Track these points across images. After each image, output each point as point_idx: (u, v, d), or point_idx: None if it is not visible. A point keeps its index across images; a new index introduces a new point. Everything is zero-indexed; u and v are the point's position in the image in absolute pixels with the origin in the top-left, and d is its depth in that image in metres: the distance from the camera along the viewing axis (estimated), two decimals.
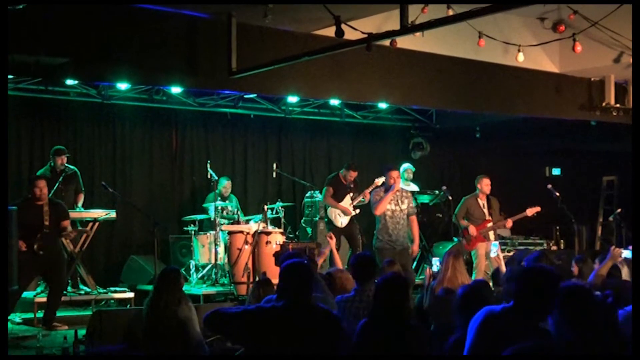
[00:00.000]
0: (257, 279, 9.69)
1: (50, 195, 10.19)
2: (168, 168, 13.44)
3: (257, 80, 9.79)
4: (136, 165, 13.09)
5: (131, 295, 10.71)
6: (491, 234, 11.43)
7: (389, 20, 9.52)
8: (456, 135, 15.76)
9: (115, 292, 10.85)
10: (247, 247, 10.53)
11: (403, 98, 11.88)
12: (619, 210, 13.63)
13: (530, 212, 11.44)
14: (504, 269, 9.11)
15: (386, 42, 8.58)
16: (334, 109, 14.32)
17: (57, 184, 10.46)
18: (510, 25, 11.34)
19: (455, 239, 12.87)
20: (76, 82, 11.30)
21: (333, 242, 9.24)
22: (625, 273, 8.43)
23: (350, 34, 8.09)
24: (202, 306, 9.58)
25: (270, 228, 10.91)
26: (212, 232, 11.72)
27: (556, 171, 16.08)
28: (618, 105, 12.68)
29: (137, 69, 9.46)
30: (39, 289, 10.13)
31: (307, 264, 5.06)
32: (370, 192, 11.00)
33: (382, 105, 13.72)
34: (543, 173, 16.00)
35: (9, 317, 9.10)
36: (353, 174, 12.00)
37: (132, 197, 12.36)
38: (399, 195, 10.51)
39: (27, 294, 9.82)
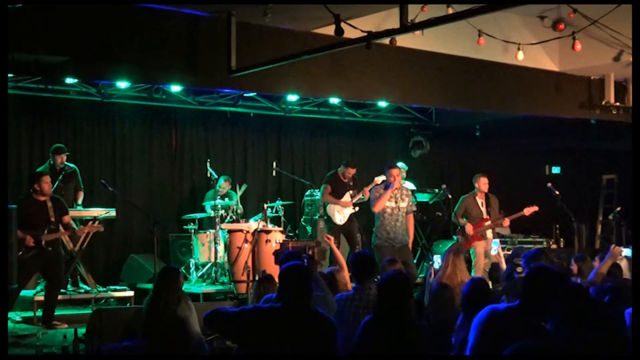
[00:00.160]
0: (256, 277, 9.69)
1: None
2: (168, 167, 13.45)
3: (257, 78, 9.78)
4: (136, 164, 13.09)
5: (131, 293, 10.72)
6: (489, 233, 11.43)
7: (388, 18, 9.51)
8: (456, 133, 15.76)
9: (115, 290, 10.85)
10: (247, 246, 10.52)
11: (403, 96, 11.87)
12: (618, 208, 13.62)
13: (528, 211, 11.44)
14: (504, 266, 9.12)
15: (386, 41, 8.56)
16: (334, 108, 14.32)
17: (57, 182, 10.47)
18: (510, 24, 11.33)
19: (455, 238, 12.88)
20: (76, 80, 11.30)
21: (332, 241, 9.24)
22: (625, 271, 8.44)
23: (349, 33, 8.09)
24: (202, 305, 9.58)
25: (270, 226, 10.90)
26: (212, 231, 11.72)
27: (556, 170, 16.07)
28: (618, 103, 12.67)
29: (137, 68, 9.45)
30: (38, 288, 10.13)
31: (306, 266, 5.07)
32: (370, 190, 11.00)
33: (382, 104, 13.73)
34: (543, 171, 15.98)
35: (9, 316, 9.10)
36: (352, 171, 11.98)
37: (132, 196, 12.37)
38: (400, 193, 10.50)
39: (26, 293, 9.82)
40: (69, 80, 11.13)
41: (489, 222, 11.42)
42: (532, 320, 4.47)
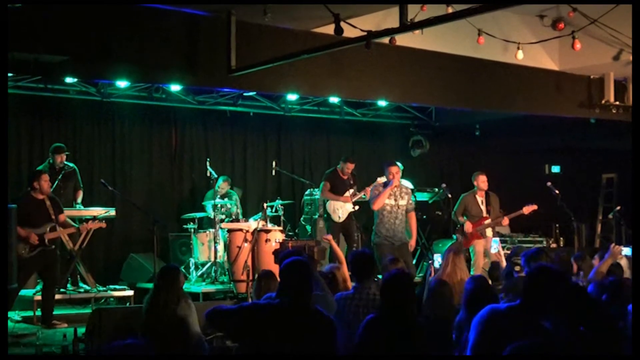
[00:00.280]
0: (256, 276, 9.69)
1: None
2: (167, 166, 13.45)
3: (257, 78, 9.78)
4: (135, 163, 13.09)
5: (131, 293, 10.71)
6: (489, 231, 11.42)
7: (388, 17, 9.51)
8: (455, 132, 15.76)
9: (115, 290, 10.85)
10: (247, 245, 10.52)
11: (402, 96, 11.88)
12: (618, 207, 13.63)
13: (527, 210, 11.44)
14: (504, 265, 9.13)
15: (385, 40, 8.56)
16: (334, 107, 14.32)
17: (56, 182, 10.47)
18: (510, 23, 11.33)
19: (455, 237, 12.88)
20: (75, 80, 11.29)
21: (330, 237, 9.25)
22: (626, 270, 8.44)
23: (349, 32, 8.09)
24: (202, 304, 9.58)
25: (269, 226, 10.90)
26: (212, 230, 11.72)
27: (556, 169, 16.06)
28: (617, 102, 12.68)
29: (137, 67, 9.46)
30: (38, 287, 10.12)
31: (306, 262, 5.04)
32: (370, 189, 10.99)
33: (382, 103, 13.73)
34: (542, 171, 15.98)
35: (8, 315, 9.10)
36: (350, 166, 11.92)
37: (132, 195, 12.37)
38: (399, 191, 10.50)
39: (26, 292, 9.82)
40: (69, 80, 11.13)
41: (488, 221, 11.42)
42: (533, 320, 4.47)
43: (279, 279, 5.07)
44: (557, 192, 11.77)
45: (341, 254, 8.22)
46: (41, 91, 11.70)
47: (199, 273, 11.60)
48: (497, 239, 11.32)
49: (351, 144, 15.10)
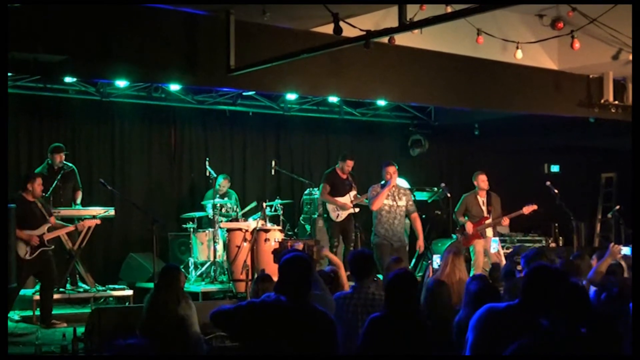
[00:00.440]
0: (255, 276, 9.69)
1: (49, 192, 10.27)
2: (167, 165, 13.44)
3: (256, 77, 9.79)
4: (135, 163, 13.09)
5: (130, 292, 10.71)
6: (489, 231, 11.42)
7: (387, 17, 9.52)
8: (455, 132, 15.76)
9: (114, 289, 10.85)
10: (246, 245, 10.53)
11: (402, 95, 11.88)
12: (617, 207, 13.64)
13: (527, 210, 11.43)
14: (504, 264, 9.13)
15: (384, 40, 8.57)
16: (333, 106, 14.32)
17: (55, 182, 10.47)
18: (509, 23, 11.33)
19: (454, 236, 12.87)
20: (75, 79, 11.28)
21: (327, 252, 9.22)
22: (626, 270, 8.43)
23: (348, 32, 8.09)
24: (201, 304, 9.58)
25: (269, 225, 10.90)
26: (211, 230, 11.72)
27: (555, 168, 16.09)
28: (616, 102, 12.68)
29: (136, 67, 9.46)
30: (37, 287, 10.12)
31: (306, 258, 5.02)
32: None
33: (381, 103, 13.73)
34: (542, 170, 16.00)
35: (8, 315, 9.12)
36: (350, 164, 11.78)
37: (131, 195, 12.36)
38: (396, 191, 10.51)
39: (25, 292, 9.83)
40: (68, 79, 11.12)
41: (489, 221, 11.41)
42: (532, 319, 4.47)
43: (277, 277, 5.06)
44: (556, 191, 11.77)
45: (338, 261, 8.22)
46: (40, 91, 11.68)
47: (198, 273, 11.59)
48: (497, 239, 11.32)
49: (350, 143, 15.08)
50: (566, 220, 12.38)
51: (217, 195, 12.11)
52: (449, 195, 13.20)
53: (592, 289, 7.04)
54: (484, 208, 11.50)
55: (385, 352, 4.93)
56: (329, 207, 11.82)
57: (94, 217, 10.51)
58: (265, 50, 9.51)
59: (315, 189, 12.50)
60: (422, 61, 11.29)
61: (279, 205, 11.81)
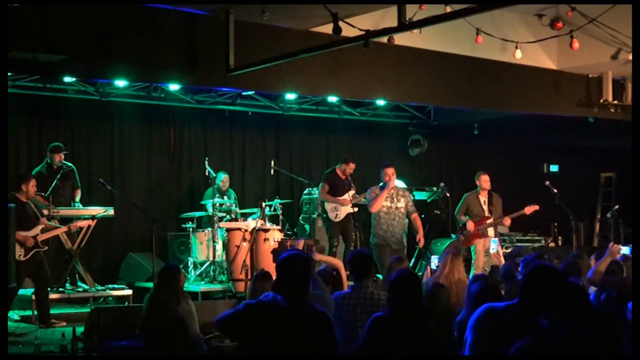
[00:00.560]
0: (253, 276, 9.69)
1: (48, 192, 10.27)
2: (166, 165, 13.45)
3: (255, 77, 9.79)
4: (134, 163, 13.09)
5: (129, 292, 10.72)
6: (490, 231, 11.41)
7: (386, 17, 9.52)
8: (454, 132, 15.76)
9: (114, 289, 10.86)
10: (245, 244, 10.54)
11: (401, 95, 11.88)
12: (616, 206, 13.65)
13: (529, 210, 11.42)
14: (502, 263, 9.14)
15: (384, 39, 8.56)
16: (332, 106, 14.32)
17: (55, 181, 10.46)
18: (508, 22, 11.33)
19: (454, 236, 12.87)
20: (74, 79, 11.28)
21: (318, 256, 9.20)
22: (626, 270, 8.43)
23: (347, 31, 8.09)
24: (201, 303, 9.59)
25: (268, 225, 10.91)
26: (210, 229, 11.72)
27: (554, 168, 16.10)
28: (616, 102, 12.68)
29: (135, 66, 9.46)
30: None
31: (305, 257, 5.00)
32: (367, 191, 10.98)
33: (380, 102, 13.74)
34: (541, 170, 16.02)
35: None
36: (352, 166, 11.75)
37: (130, 194, 12.35)
38: (395, 193, 10.52)
39: (25, 292, 9.82)
40: (68, 79, 11.13)
41: (490, 221, 11.40)
42: (531, 319, 4.46)
43: (275, 276, 5.05)
44: (555, 191, 11.77)
45: (335, 261, 8.19)
46: (40, 90, 11.69)
47: (198, 272, 11.59)
48: (496, 239, 11.31)
49: (350, 143, 15.10)
50: (565, 219, 12.39)
51: (217, 194, 12.12)
52: (448, 195, 13.22)
53: (592, 288, 7.06)
54: (486, 207, 11.49)
55: (388, 352, 4.92)
56: (327, 207, 11.80)
57: (94, 217, 10.51)
58: (265, 50, 9.51)
59: (315, 189, 12.50)
60: (422, 61, 11.29)
61: (278, 205, 11.81)
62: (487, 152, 15.58)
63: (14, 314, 9.72)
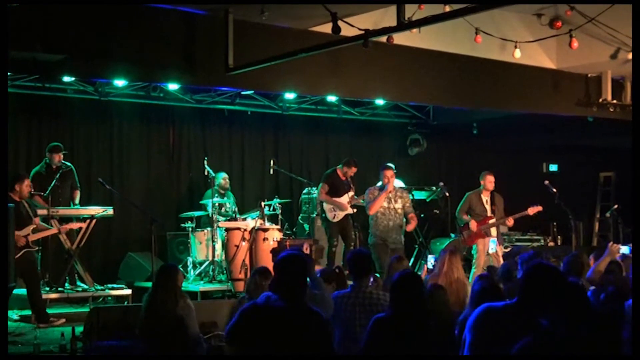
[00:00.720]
0: (252, 271, 9.69)
1: (47, 192, 10.26)
2: (165, 165, 13.44)
3: (254, 76, 9.79)
4: (133, 162, 13.08)
5: (128, 292, 10.72)
6: (493, 231, 11.39)
7: (385, 16, 9.52)
8: (453, 131, 15.77)
9: (113, 289, 10.86)
10: (245, 244, 10.54)
11: (400, 94, 11.88)
12: (615, 206, 13.65)
13: (532, 211, 11.39)
14: (501, 262, 9.14)
15: (383, 39, 8.57)
16: (331, 106, 14.32)
17: (53, 181, 10.45)
18: (507, 22, 11.34)
19: (453, 235, 12.87)
20: (73, 79, 11.28)
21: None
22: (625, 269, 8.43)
23: (347, 31, 8.10)
24: (200, 303, 9.59)
25: (267, 225, 10.91)
26: (210, 229, 11.70)
27: (553, 167, 16.11)
28: (615, 101, 12.68)
29: (134, 66, 9.46)
30: None
31: (302, 257, 5.00)
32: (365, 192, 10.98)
33: (380, 102, 13.73)
34: (540, 169, 16.02)
35: None
36: (354, 170, 11.84)
37: (130, 194, 12.35)
38: (393, 193, 10.53)
39: (24, 291, 9.79)
40: (67, 79, 11.13)
41: (492, 220, 11.38)
42: (530, 318, 4.46)
43: (273, 276, 5.05)
44: (554, 190, 11.77)
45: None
46: (39, 90, 11.67)
47: (197, 272, 11.59)
48: (495, 239, 11.29)
49: (349, 142, 15.10)
50: (564, 219, 12.40)
51: (217, 194, 12.12)
52: (447, 194, 13.22)
53: (591, 288, 7.05)
54: (488, 207, 11.46)
55: (390, 353, 4.92)
56: (326, 207, 11.80)
57: (93, 216, 10.51)
58: (264, 49, 9.51)
59: (314, 189, 12.50)
60: (421, 60, 11.29)
61: (277, 204, 11.81)
62: (486, 152, 15.58)
63: (13, 314, 9.71)
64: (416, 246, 13.45)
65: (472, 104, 12.49)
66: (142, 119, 13.15)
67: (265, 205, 11.30)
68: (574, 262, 7.53)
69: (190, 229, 11.87)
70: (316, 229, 12.39)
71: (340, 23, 7.86)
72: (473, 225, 11.32)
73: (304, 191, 13.02)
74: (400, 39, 9.39)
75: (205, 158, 12.38)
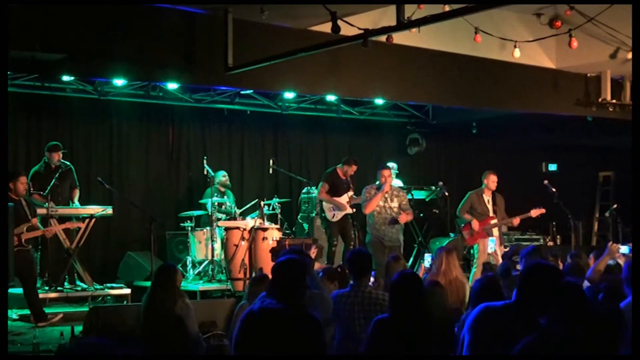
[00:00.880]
0: (253, 275, 9.70)
1: (47, 191, 10.25)
2: (164, 164, 13.43)
3: (254, 76, 9.78)
4: (133, 162, 13.08)
5: (128, 291, 10.72)
6: (495, 231, 11.38)
7: (385, 16, 9.53)
8: (452, 131, 15.77)
9: (112, 288, 10.86)
10: (244, 243, 10.54)
11: (399, 94, 11.89)
12: (615, 205, 13.65)
13: (535, 213, 11.38)
14: (500, 262, 9.14)
15: (382, 38, 8.58)
16: (331, 105, 14.31)
17: (53, 180, 10.44)
18: (507, 21, 11.34)
19: (452, 235, 12.87)
20: (72, 78, 11.27)
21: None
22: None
23: (346, 30, 8.10)
24: (199, 302, 9.59)
25: (266, 224, 10.91)
26: (209, 228, 11.70)
27: (552, 167, 16.09)
28: (614, 100, 12.68)
29: (134, 65, 9.45)
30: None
31: (300, 261, 5.02)
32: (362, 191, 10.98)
33: (379, 101, 13.72)
34: (539, 169, 16.00)
35: None
36: (354, 168, 11.85)
37: (129, 193, 12.35)
38: (390, 193, 10.53)
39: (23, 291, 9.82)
40: (66, 78, 11.11)
41: (494, 220, 11.37)
42: (529, 318, 4.46)
43: (270, 279, 5.05)
44: (553, 190, 11.77)
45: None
46: (38, 89, 11.67)
47: (196, 271, 11.59)
48: (494, 238, 11.29)
49: (348, 142, 15.11)
50: (564, 219, 12.39)
51: (216, 194, 12.11)
52: (446, 193, 13.21)
53: (585, 283, 7.06)
54: (490, 207, 11.45)
55: (392, 353, 4.92)
56: (325, 207, 11.80)
57: (92, 216, 10.51)
58: (263, 48, 9.51)
59: (313, 188, 12.50)
60: (420, 60, 11.29)
61: (276, 203, 11.80)
62: (486, 151, 15.57)
63: (12, 313, 9.70)
64: (415, 245, 13.46)
65: (472, 103, 12.49)
66: (141, 118, 13.15)
67: (264, 204, 11.30)
68: (575, 266, 7.54)
69: (189, 228, 11.87)
70: (315, 228, 12.39)
71: (339, 22, 7.86)
72: (476, 225, 11.30)
73: (304, 190, 13.01)
74: (399, 38, 9.40)
75: (205, 157, 12.37)
